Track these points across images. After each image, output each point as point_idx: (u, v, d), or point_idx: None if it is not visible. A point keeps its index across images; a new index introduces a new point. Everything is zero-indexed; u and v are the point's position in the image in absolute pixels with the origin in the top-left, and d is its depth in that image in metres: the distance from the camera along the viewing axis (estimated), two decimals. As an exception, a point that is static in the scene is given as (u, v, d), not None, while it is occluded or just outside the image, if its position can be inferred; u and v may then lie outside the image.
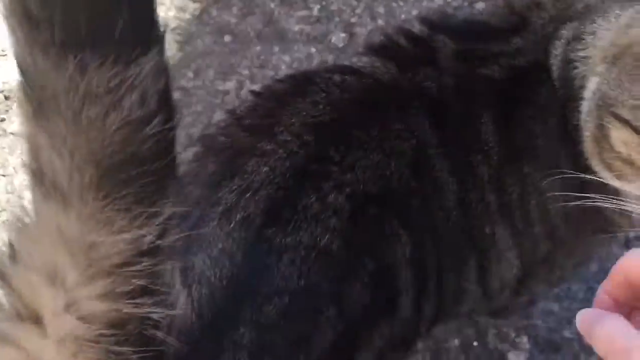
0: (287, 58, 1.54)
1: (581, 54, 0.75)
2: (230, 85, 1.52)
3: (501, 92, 0.79)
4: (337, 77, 0.79)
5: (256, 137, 0.75)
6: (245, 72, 1.53)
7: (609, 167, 0.70)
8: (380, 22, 1.60)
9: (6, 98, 1.53)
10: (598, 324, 0.45)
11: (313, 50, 1.56)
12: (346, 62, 0.84)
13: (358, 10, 1.61)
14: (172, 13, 1.61)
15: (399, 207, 0.75)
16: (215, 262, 0.68)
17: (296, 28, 1.58)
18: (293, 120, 0.75)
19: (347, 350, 0.74)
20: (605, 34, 0.73)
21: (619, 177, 0.70)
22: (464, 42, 0.82)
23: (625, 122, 0.65)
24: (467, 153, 0.78)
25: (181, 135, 1.40)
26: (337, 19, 1.60)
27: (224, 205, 0.70)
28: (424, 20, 0.86)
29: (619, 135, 0.66)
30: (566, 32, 0.79)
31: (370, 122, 0.76)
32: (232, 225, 0.69)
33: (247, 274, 0.68)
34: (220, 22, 1.60)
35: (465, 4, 1.62)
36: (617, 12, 0.74)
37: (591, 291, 1.32)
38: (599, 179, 0.74)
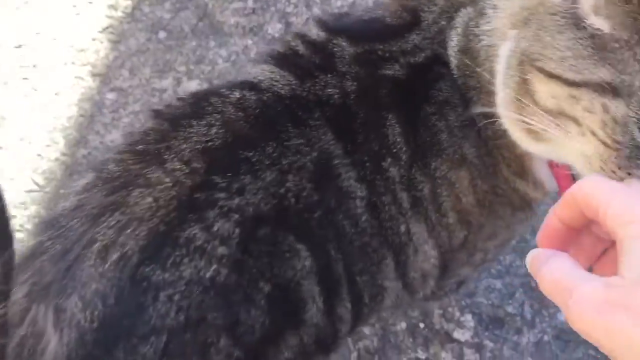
0: (223, 52, 1.53)
1: (486, 27, 0.74)
2: (167, 82, 1.50)
3: (403, 91, 0.78)
4: (235, 94, 0.78)
5: (145, 165, 0.73)
6: (182, 68, 1.51)
7: (529, 130, 0.68)
8: (316, 10, 1.60)
9: None
10: (545, 264, 0.47)
11: (250, 42, 1.55)
12: (249, 74, 0.83)
13: (293, 0, 1.60)
14: (103, 12, 1.58)
15: (295, 223, 0.74)
16: (88, 304, 0.66)
17: (232, 21, 1.57)
18: (184, 146, 0.73)
19: None
20: (508, 3, 0.72)
21: (536, 136, 0.69)
22: (362, 43, 0.81)
23: (552, 76, 0.64)
24: (376, 158, 0.78)
25: (119, 139, 1.39)
26: (272, 9, 1.59)
27: (100, 243, 0.68)
28: (321, 23, 0.85)
29: (546, 89, 0.64)
30: (460, 19, 0.79)
31: (266, 140, 0.75)
32: (107, 265, 0.67)
33: (121, 315, 0.67)
34: (153, 18, 1.57)
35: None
36: None
37: (532, 266, 1.36)
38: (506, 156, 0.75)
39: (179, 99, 0.82)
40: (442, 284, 0.94)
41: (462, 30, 0.79)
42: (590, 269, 0.50)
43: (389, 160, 0.78)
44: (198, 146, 0.73)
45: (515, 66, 0.68)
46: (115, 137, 1.44)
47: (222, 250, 0.70)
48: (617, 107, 0.61)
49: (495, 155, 0.79)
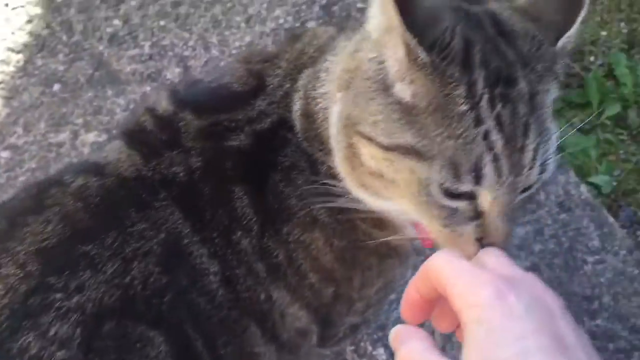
0: (121, 101, 1.51)
1: (320, 90, 0.76)
2: (64, 136, 1.47)
3: (250, 162, 0.79)
4: (78, 182, 0.76)
5: None
6: (79, 120, 1.48)
7: (364, 186, 0.71)
8: (214, 52, 1.60)
9: None
10: (403, 344, 0.48)
11: (148, 88, 1.53)
12: (100, 154, 0.81)
13: (191, 43, 1.60)
14: (-7, 67, 1.54)
15: (144, 310, 0.73)
16: None
17: (128, 68, 1.55)
18: (19, 248, 0.71)
19: None
20: (337, 67, 0.74)
21: (373, 194, 0.71)
22: (208, 114, 0.80)
23: (369, 139, 0.67)
24: (227, 233, 0.77)
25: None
26: (170, 53, 1.58)
27: None
28: (171, 94, 0.84)
29: (367, 151, 0.67)
30: (302, 81, 0.80)
31: (106, 230, 0.74)
32: None
33: None
34: (46, 71, 1.54)
35: (297, 24, 1.65)
36: (344, 43, 0.76)
37: (440, 293, 1.39)
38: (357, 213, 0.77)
39: (22, 190, 0.80)
40: (330, 333, 0.94)
41: (303, 93, 0.79)
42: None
43: (239, 233, 0.78)
44: (32, 247, 0.71)
45: (342, 129, 0.70)
46: (12, 197, 1.40)
47: (61, 354, 0.67)
48: (422, 170, 0.64)
49: (349, 212, 0.79)
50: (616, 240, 1.46)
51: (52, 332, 0.67)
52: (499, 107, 0.62)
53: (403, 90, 0.64)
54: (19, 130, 1.47)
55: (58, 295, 0.69)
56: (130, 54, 1.57)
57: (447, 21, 0.64)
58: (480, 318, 0.45)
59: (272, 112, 0.80)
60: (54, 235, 0.72)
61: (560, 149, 1.69)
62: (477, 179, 0.62)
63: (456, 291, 0.47)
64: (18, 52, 1.56)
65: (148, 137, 0.80)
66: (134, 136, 0.81)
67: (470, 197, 0.64)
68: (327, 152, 0.76)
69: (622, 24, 1.98)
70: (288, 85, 0.81)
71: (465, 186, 0.63)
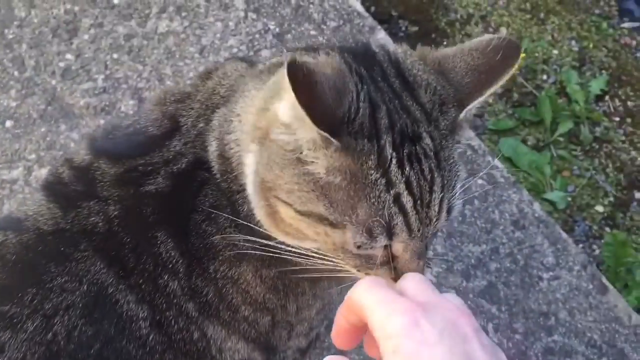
0: (75, 135, 1.50)
1: (233, 137, 0.77)
2: (17, 172, 1.46)
3: (170, 205, 0.78)
4: (9, 237, 0.77)
5: None
6: (32, 156, 1.47)
7: (287, 235, 0.73)
8: (169, 83, 1.60)
9: None
10: None
11: (102, 122, 1.53)
12: (21, 208, 0.81)
13: (145, 75, 1.60)
14: (-57, 106, 1.52)
15: None
16: None
17: (82, 102, 1.55)
18: None
19: None
20: (248, 117, 0.74)
21: (297, 241, 0.73)
22: (124, 161, 0.80)
23: (285, 203, 0.69)
24: (153, 277, 0.77)
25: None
26: (124, 86, 1.58)
27: None
28: (89, 142, 0.84)
29: (286, 212, 0.70)
30: (216, 121, 0.81)
31: (24, 288, 0.73)
32: None
33: None
34: (-2, 107, 1.53)
35: (251, 53, 1.66)
36: (253, 92, 0.77)
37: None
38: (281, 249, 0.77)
39: None
40: (279, 358, 0.94)
41: (217, 133, 0.80)
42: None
43: (167, 276, 0.78)
44: None
45: (259, 190, 0.72)
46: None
47: None
48: (335, 236, 0.68)
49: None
50: (570, 255, 1.49)
51: None
52: (407, 168, 0.66)
53: (316, 168, 0.66)
54: (-30, 168, 1.45)
55: None
56: (84, 88, 1.56)
57: (352, 88, 0.66)
58: (395, 348, 0.46)
59: (188, 152, 0.80)
60: None
61: (515, 167, 1.71)
62: (390, 236, 0.66)
63: (374, 321, 0.48)
64: (-31, 89, 1.55)
65: (66, 188, 0.80)
66: (52, 188, 0.81)
67: (384, 246, 0.68)
68: (245, 196, 0.77)
69: (573, 42, 2.03)
70: (202, 125, 0.81)
71: (379, 244, 0.67)
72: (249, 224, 0.76)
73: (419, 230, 0.67)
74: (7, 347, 0.70)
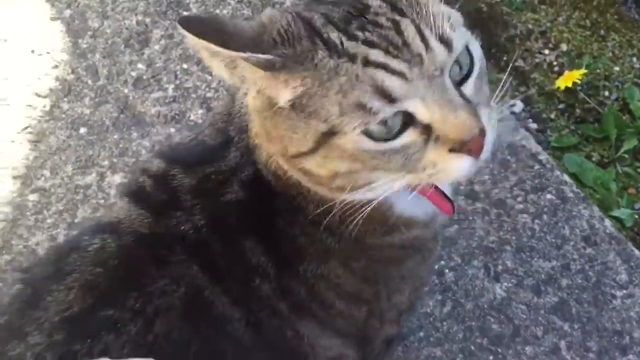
0: (146, 142, 1.53)
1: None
2: (91, 178, 1.48)
3: (252, 213, 0.80)
4: (95, 244, 0.78)
5: (6, 339, 0.71)
6: (105, 162, 1.50)
7: (338, 189, 0.72)
8: (237, 93, 1.62)
9: None
10: None
11: (172, 130, 1.55)
12: (112, 213, 0.83)
13: (213, 85, 1.62)
14: (21, 112, 1.56)
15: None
16: None
17: (153, 110, 1.57)
18: (44, 317, 0.72)
19: None
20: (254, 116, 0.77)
21: (349, 190, 0.72)
22: (196, 169, 0.82)
23: (301, 154, 0.70)
24: (245, 281, 0.79)
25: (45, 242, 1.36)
26: (193, 96, 1.61)
27: None
28: (160, 154, 0.86)
29: (309, 164, 0.71)
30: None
31: (127, 292, 0.74)
32: None
33: None
34: (73, 115, 1.56)
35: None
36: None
37: (469, 330, 1.38)
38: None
39: (45, 255, 0.82)
40: (368, 350, 0.93)
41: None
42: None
43: (258, 280, 0.78)
44: (57, 317, 0.72)
45: (284, 164, 0.74)
46: (40, 240, 1.40)
47: None
48: (347, 141, 0.67)
49: (354, 231, 0.78)
50: (644, 273, 1.45)
51: None
52: (360, 35, 0.65)
53: (284, 97, 0.67)
54: (46, 173, 1.48)
55: None
56: (155, 97, 1.59)
57: (279, 18, 0.67)
58: None
59: (247, 162, 0.81)
60: (76, 304, 0.73)
61: (580, 183, 1.68)
62: (390, 98, 0.64)
63: None
64: (44, 96, 1.59)
65: (150, 197, 0.82)
66: (137, 196, 0.82)
67: (408, 123, 0.66)
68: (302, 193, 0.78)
69: (634, 59, 2.00)
70: (244, 136, 0.82)
71: (387, 113, 0.64)
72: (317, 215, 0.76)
73: (411, 71, 0.64)
74: (111, 349, 0.71)
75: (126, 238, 0.78)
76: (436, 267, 1.44)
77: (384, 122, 0.65)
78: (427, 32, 0.65)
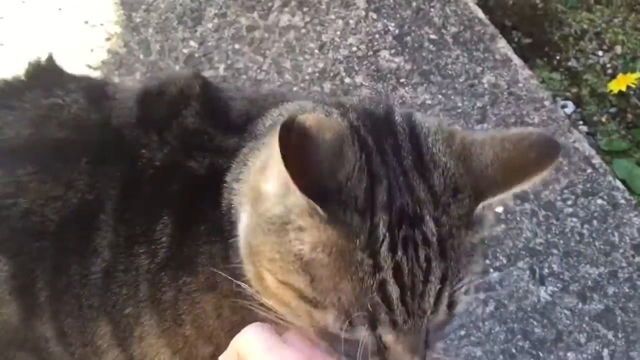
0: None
1: (237, 185, 0.71)
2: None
3: (191, 194, 0.75)
4: (63, 100, 0.78)
5: None
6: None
7: (276, 302, 0.65)
8: (287, 76, 1.61)
9: None
10: None
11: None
12: (117, 86, 0.82)
13: (264, 67, 1.61)
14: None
15: (7, 236, 0.75)
16: None
17: (203, 89, 1.56)
18: None
19: None
20: (251, 174, 0.68)
21: (284, 311, 0.66)
22: (203, 119, 0.77)
23: (270, 271, 0.63)
24: (133, 239, 0.75)
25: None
26: (244, 76, 1.59)
27: None
28: (204, 85, 0.80)
29: (270, 280, 0.63)
30: (243, 152, 0.75)
31: (50, 155, 0.75)
32: None
33: None
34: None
35: (370, 53, 1.65)
36: (257, 151, 0.70)
37: (511, 332, 1.36)
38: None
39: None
40: None
41: (237, 164, 0.74)
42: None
43: (143, 250, 0.75)
44: None
45: (247, 251, 0.66)
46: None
47: None
48: (316, 315, 0.61)
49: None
50: (693, 287, 1.42)
51: None
52: (399, 252, 0.58)
53: (299, 239, 0.60)
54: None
55: None
56: (206, 75, 1.58)
57: (350, 160, 0.59)
58: None
59: (232, 158, 0.75)
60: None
61: (629, 189, 1.65)
62: (373, 327, 0.60)
63: None
64: (96, 69, 1.58)
65: (155, 106, 0.79)
66: (149, 96, 0.80)
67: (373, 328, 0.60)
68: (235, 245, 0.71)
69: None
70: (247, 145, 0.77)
71: (358, 334, 0.60)
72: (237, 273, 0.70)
73: (405, 324, 0.60)
74: None
75: (92, 114, 0.77)
76: (480, 265, 1.42)
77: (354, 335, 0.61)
78: (444, 296, 0.60)
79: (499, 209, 1.47)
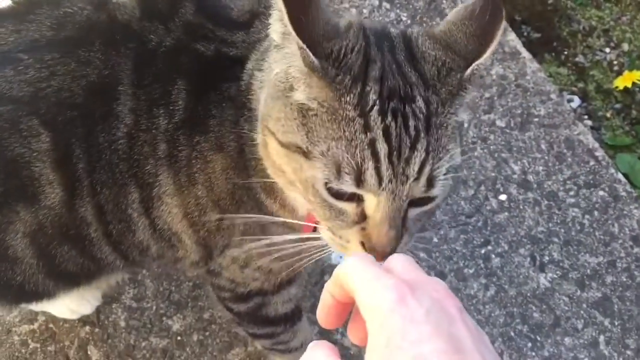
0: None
1: (259, 73, 0.82)
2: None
3: (201, 68, 0.87)
4: (72, 8, 0.87)
5: None
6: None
7: (273, 170, 0.77)
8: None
9: None
10: (307, 352, 0.49)
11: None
12: None
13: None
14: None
15: (45, 111, 0.84)
16: None
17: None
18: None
19: None
20: (268, 72, 0.79)
21: (282, 184, 0.78)
22: (201, 16, 0.89)
23: (273, 133, 0.73)
24: (153, 103, 0.86)
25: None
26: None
27: None
28: None
29: (272, 146, 0.74)
30: (265, 43, 0.86)
31: (65, 43, 0.84)
32: None
33: None
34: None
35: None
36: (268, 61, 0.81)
37: (510, 316, 1.40)
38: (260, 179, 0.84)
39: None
40: (210, 258, 0.98)
41: (258, 55, 0.85)
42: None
43: (162, 111, 0.86)
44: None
45: (260, 124, 0.76)
46: None
47: None
48: (307, 168, 0.70)
49: (252, 166, 0.85)
50: (689, 278, 1.46)
51: None
52: (389, 118, 0.67)
53: (300, 92, 0.70)
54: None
55: None
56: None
57: (350, 39, 0.70)
58: (382, 324, 0.45)
59: (241, 48, 0.87)
60: (8, 43, 0.85)
61: (631, 184, 1.68)
62: (359, 182, 0.67)
63: (362, 296, 0.47)
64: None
65: (155, 2, 0.89)
66: None
67: (357, 200, 0.70)
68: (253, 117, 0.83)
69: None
70: (262, 36, 0.87)
71: (347, 187, 0.68)
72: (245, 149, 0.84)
73: (390, 182, 0.67)
74: (3, 78, 0.84)
75: (100, 14, 0.87)
76: (483, 251, 1.46)
77: (340, 189, 0.69)
78: (426, 168, 0.68)
79: (503, 197, 1.51)
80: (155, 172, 0.88)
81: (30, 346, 1.32)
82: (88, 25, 0.86)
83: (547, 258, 1.47)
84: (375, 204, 0.69)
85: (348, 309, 0.52)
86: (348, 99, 0.68)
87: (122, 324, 1.35)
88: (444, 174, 0.70)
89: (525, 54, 1.71)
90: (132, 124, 0.86)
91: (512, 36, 1.72)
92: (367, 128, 0.67)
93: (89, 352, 1.32)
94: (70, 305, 1.27)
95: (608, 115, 1.87)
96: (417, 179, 0.68)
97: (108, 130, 0.86)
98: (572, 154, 1.58)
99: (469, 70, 0.72)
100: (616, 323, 1.41)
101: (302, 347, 1.16)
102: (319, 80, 0.68)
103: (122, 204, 0.90)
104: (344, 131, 0.67)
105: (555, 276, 1.45)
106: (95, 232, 0.92)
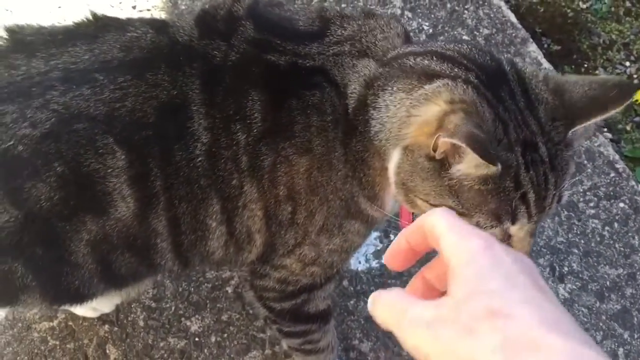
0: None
1: (377, 114, 0.86)
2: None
3: (275, 77, 0.89)
4: (137, 32, 0.89)
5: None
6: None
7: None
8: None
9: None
10: (380, 296, 0.51)
11: None
12: (172, 17, 0.92)
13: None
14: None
15: (120, 130, 0.86)
16: None
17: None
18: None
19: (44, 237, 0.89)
20: (395, 118, 0.84)
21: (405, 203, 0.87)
22: (265, 33, 0.91)
23: (420, 199, 0.83)
24: (229, 119, 0.88)
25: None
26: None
27: None
28: (250, 6, 0.93)
29: (422, 204, 0.83)
30: (361, 67, 0.89)
31: (130, 70, 0.87)
32: None
33: None
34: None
35: None
36: (401, 95, 0.84)
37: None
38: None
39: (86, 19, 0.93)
40: (270, 257, 1.00)
41: (364, 79, 0.88)
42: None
43: (239, 126, 0.88)
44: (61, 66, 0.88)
45: (400, 186, 0.85)
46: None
47: (26, 130, 0.83)
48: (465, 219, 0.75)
49: (353, 168, 0.89)
50: None
51: (29, 114, 0.84)
52: (530, 171, 0.78)
53: (459, 172, 0.78)
54: None
55: (55, 93, 0.85)
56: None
57: (488, 116, 0.77)
58: (469, 260, 0.47)
59: (318, 59, 0.89)
60: (83, 61, 0.88)
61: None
62: (514, 221, 0.80)
63: (449, 241, 0.49)
64: None
65: (213, 22, 0.91)
66: (204, 17, 0.92)
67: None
68: (364, 143, 0.88)
69: None
70: (346, 48, 0.90)
71: (505, 226, 0.80)
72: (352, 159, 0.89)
73: (535, 217, 0.80)
74: (82, 97, 0.86)
75: (162, 38, 0.90)
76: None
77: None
78: (556, 195, 0.81)
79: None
80: (240, 185, 0.90)
81: (50, 343, 1.33)
82: (153, 48, 0.89)
83: (566, 269, 1.46)
84: (519, 227, 0.82)
85: (415, 257, 0.56)
86: (507, 170, 0.77)
87: (141, 323, 1.36)
88: (566, 191, 0.83)
89: (546, 65, 1.71)
90: (209, 142, 0.88)
91: (533, 47, 1.72)
92: (518, 185, 0.78)
93: (107, 351, 1.33)
94: (92, 303, 1.28)
95: (628, 128, 1.86)
96: (551, 207, 0.82)
97: (184, 149, 0.88)
98: (592, 165, 1.57)
99: (570, 133, 0.80)
100: (635, 336, 1.40)
101: (328, 349, 1.19)
102: (487, 166, 0.75)
103: (200, 215, 0.92)
104: (501, 194, 0.78)
105: (574, 287, 1.44)
106: (163, 241, 0.94)
